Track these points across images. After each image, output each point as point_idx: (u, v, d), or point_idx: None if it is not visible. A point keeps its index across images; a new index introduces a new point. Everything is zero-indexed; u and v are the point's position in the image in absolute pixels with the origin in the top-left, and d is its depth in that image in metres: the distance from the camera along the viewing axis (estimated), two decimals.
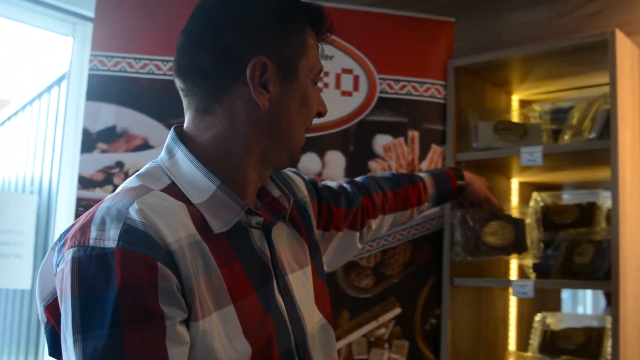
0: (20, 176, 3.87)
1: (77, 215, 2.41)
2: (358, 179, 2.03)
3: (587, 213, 2.70)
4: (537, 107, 2.81)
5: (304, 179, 1.70)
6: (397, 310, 2.63)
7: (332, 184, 1.88)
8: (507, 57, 2.61)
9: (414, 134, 2.70)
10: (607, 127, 2.36)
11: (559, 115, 2.74)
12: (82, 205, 2.42)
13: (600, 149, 2.33)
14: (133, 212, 1.14)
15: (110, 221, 1.13)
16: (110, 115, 2.48)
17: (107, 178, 2.44)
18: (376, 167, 2.65)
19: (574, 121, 2.58)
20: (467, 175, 2.33)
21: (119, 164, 2.46)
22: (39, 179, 3.55)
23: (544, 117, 2.76)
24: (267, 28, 1.31)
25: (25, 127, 4.27)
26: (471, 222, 2.57)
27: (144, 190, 1.21)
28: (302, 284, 1.42)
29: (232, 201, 1.27)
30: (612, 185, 2.28)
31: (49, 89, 3.98)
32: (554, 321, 2.76)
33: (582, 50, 2.47)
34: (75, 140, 2.52)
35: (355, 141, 2.65)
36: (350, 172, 2.63)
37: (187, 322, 1.15)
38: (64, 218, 2.43)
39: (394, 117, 2.69)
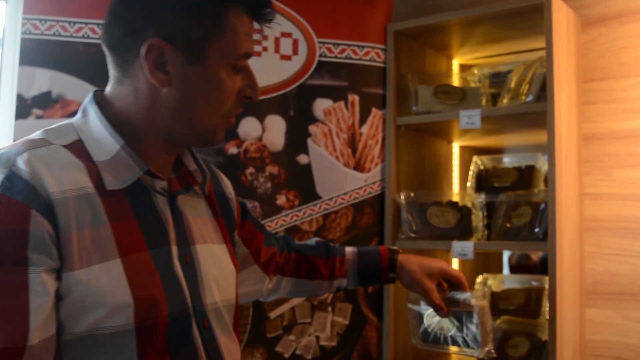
0: None
1: None
2: (278, 235, 1.96)
3: (526, 176, 2.74)
4: (476, 71, 2.83)
5: (230, 184, 1.73)
6: None
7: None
8: (446, 20, 2.62)
9: (354, 97, 2.70)
10: (543, 90, 2.38)
11: (497, 79, 2.77)
12: None
13: (537, 111, 2.36)
14: (21, 161, 1.19)
15: None
16: (45, 80, 2.43)
17: None
18: (316, 132, 2.64)
19: (512, 85, 2.60)
20: (403, 261, 1.90)
21: None
22: None
23: (483, 81, 2.78)
24: (176, 8, 1.29)
25: None
26: (417, 202, 2.62)
27: (42, 143, 1.26)
28: (212, 256, 1.45)
29: (133, 162, 1.29)
30: (548, 147, 2.31)
31: None
32: (495, 282, 2.80)
33: (519, 14, 2.49)
34: (11, 107, 2.46)
35: (295, 105, 2.64)
36: (290, 136, 2.62)
37: (59, 272, 1.18)
38: None
39: (334, 81, 2.68)
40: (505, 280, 2.86)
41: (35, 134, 1.30)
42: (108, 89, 1.37)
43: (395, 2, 2.83)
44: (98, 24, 2.45)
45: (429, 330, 1.90)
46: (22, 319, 1.12)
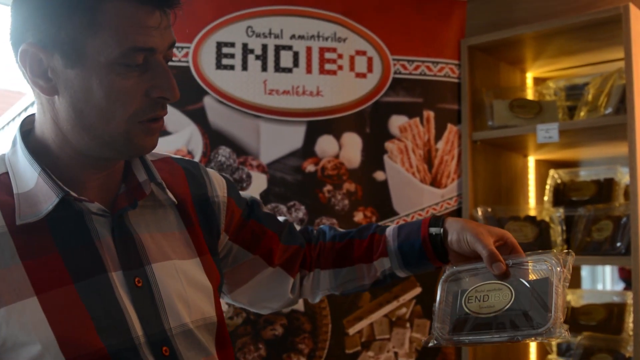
0: None
1: None
2: (310, 228, 1.72)
3: (605, 189, 2.70)
4: (551, 84, 2.81)
5: (229, 182, 1.56)
6: (417, 290, 2.64)
7: (280, 217, 1.65)
8: (520, 34, 2.61)
9: (429, 114, 2.71)
10: (623, 102, 2.35)
11: (573, 92, 2.74)
12: None
13: (616, 124, 2.33)
14: None
15: None
16: None
17: None
18: (392, 148, 2.65)
19: (589, 97, 2.57)
20: (452, 220, 1.48)
21: None
22: None
23: (559, 94, 2.75)
24: (44, 10, 1.14)
25: None
26: (495, 217, 2.59)
27: None
28: (177, 273, 1.31)
29: (50, 189, 1.18)
30: (629, 160, 2.28)
31: None
32: (574, 298, 2.77)
33: (595, 25, 2.46)
34: None
35: (371, 122, 2.65)
36: (367, 153, 2.64)
37: None
38: None
39: (409, 98, 2.69)
40: (585, 295, 2.82)
41: None
42: None
43: (468, 16, 2.83)
44: (177, 47, 2.50)
45: (469, 312, 1.31)
46: None
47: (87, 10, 1.13)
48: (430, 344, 1.32)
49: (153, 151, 1.30)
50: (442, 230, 1.46)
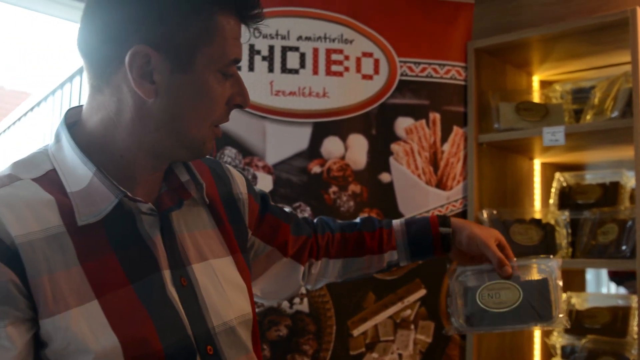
0: None
1: None
2: (309, 219, 1.82)
3: (610, 192, 2.70)
4: (558, 87, 2.81)
5: (246, 178, 1.59)
6: (422, 292, 2.64)
7: (286, 208, 1.73)
8: (527, 37, 2.61)
9: (436, 116, 2.71)
10: (629, 105, 2.35)
11: (580, 95, 2.74)
12: None
13: (623, 127, 2.33)
14: None
15: None
16: None
17: None
18: (398, 150, 2.66)
19: (596, 100, 2.57)
20: (458, 222, 1.73)
21: None
22: None
23: (565, 97, 2.75)
24: (161, 12, 1.17)
25: (48, 118, 4.31)
26: (500, 219, 2.61)
27: (7, 181, 1.16)
28: (213, 274, 1.33)
29: (107, 189, 1.17)
30: (635, 164, 2.28)
31: (70, 78, 4.00)
32: (579, 301, 2.76)
33: (602, 29, 2.46)
34: None
35: (377, 124, 2.66)
36: (372, 154, 2.64)
37: (36, 320, 1.10)
38: None
39: (415, 100, 2.69)
40: (589, 298, 2.82)
41: (4, 169, 1.20)
42: (86, 102, 1.25)
43: (475, 19, 2.83)
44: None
45: (483, 307, 1.58)
46: None
47: (204, 19, 1.18)
48: (451, 333, 1.64)
49: None
50: (450, 230, 1.70)
